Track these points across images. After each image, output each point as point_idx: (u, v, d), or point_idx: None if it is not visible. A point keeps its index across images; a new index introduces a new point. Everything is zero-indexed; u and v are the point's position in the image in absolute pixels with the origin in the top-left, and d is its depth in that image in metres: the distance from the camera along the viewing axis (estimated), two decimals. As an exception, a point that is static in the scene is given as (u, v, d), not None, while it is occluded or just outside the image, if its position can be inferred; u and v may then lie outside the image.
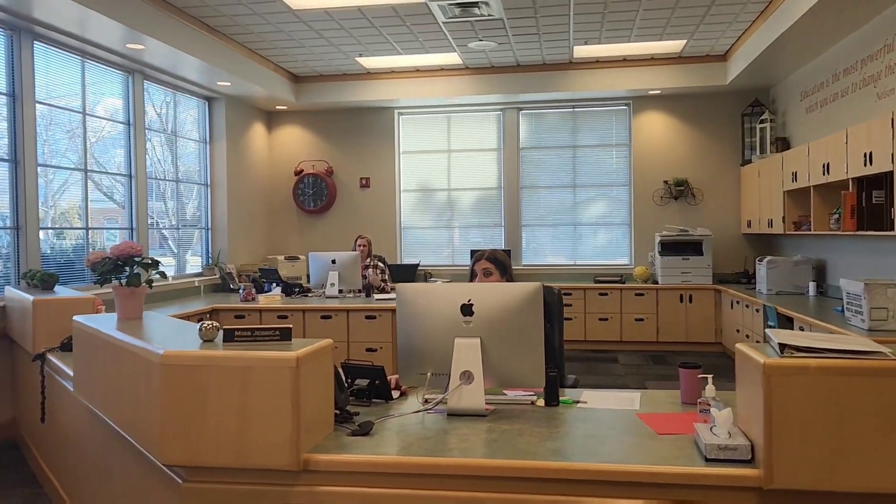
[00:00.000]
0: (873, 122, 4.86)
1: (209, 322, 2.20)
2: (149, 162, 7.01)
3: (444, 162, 9.33)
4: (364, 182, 9.33)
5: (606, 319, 8.22)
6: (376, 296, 6.68)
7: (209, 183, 8.27)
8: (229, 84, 7.60)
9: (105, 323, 2.78)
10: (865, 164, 4.86)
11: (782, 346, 1.78)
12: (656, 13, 6.41)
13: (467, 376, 2.41)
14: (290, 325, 2.15)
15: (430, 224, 9.40)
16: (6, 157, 5.26)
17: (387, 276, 7.40)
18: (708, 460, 1.85)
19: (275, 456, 1.94)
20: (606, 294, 8.22)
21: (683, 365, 2.56)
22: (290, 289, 7.02)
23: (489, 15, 6.35)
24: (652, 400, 2.58)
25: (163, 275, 3.00)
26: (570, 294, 8.26)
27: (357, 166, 9.34)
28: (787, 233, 6.78)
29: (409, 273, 8.88)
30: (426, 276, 9.11)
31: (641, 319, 8.17)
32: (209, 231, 8.27)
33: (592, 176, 9.05)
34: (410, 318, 2.54)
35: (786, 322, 5.60)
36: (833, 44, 6.31)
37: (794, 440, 1.71)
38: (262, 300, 6.56)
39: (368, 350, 6.11)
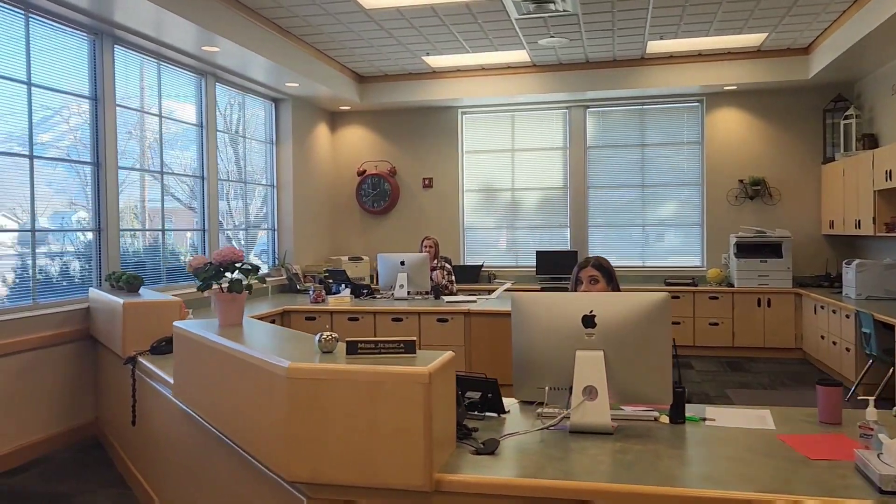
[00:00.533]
0: None
1: (328, 333, 2.11)
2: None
3: (508, 161, 9.19)
4: (427, 182, 9.24)
5: (679, 323, 7.96)
6: (446, 298, 6.59)
7: (275, 184, 8.29)
8: (297, 85, 7.60)
9: (206, 329, 2.73)
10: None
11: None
12: (740, 5, 6.16)
13: (590, 391, 2.28)
14: (415, 339, 2.04)
15: (494, 224, 9.27)
16: (89, 160, 5.32)
17: (453, 278, 7.30)
18: (883, 492, 1.69)
19: (406, 475, 1.84)
20: (679, 297, 7.97)
21: (822, 382, 2.38)
22: (358, 290, 6.98)
23: (564, 10, 6.19)
24: (785, 418, 2.40)
25: (261, 280, 2.94)
26: (641, 297, 8.02)
27: (420, 166, 9.27)
28: (878, 234, 6.44)
29: (472, 274, 8.78)
30: (490, 278, 8.99)
31: (716, 324, 7.90)
32: (275, 232, 8.29)
33: (662, 175, 8.79)
34: (527, 329, 2.41)
35: (883, 329, 5.31)
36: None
37: None
38: (332, 301, 6.52)
39: (441, 353, 6.00)
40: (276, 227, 8.30)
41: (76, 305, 4.97)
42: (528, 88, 8.37)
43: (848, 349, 6.13)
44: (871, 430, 1.91)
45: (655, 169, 8.80)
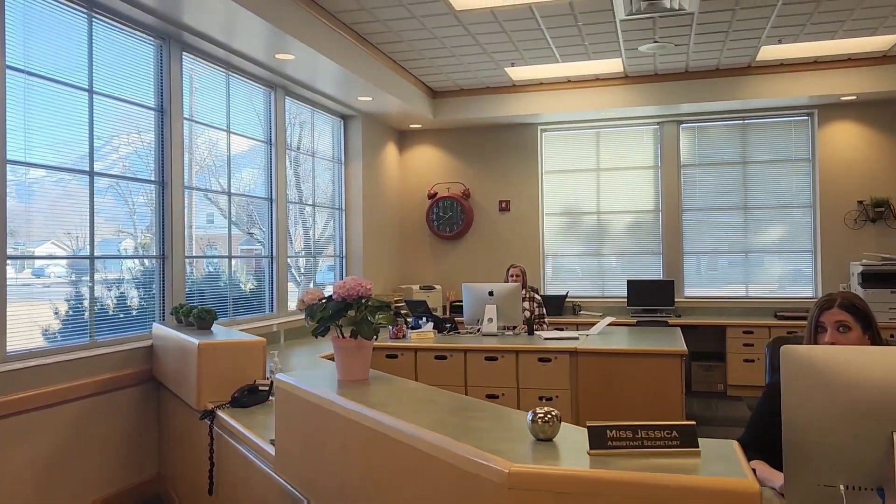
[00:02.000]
0: None
1: (546, 410, 1.38)
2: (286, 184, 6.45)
3: (593, 182, 8.44)
4: (504, 205, 8.54)
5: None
6: (543, 334, 5.82)
7: (343, 207, 7.67)
8: (370, 99, 7.00)
9: (325, 387, 2.03)
10: None
11: None
12: (883, 0, 5.37)
13: (924, 497, 1.50)
14: (693, 423, 1.30)
15: (578, 251, 8.49)
16: (153, 179, 4.74)
17: (544, 311, 6.55)
18: None
19: None
20: (796, 332, 7.04)
21: None
22: (440, 324, 6.26)
23: (680, 8, 5.46)
24: None
25: (392, 319, 2.23)
26: (752, 332, 7.16)
27: (496, 188, 8.57)
28: None
29: (555, 306, 7.98)
30: (575, 309, 8.19)
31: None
32: (342, 259, 7.65)
33: (767, 196, 7.93)
34: (808, 398, 1.65)
35: None
36: None
37: None
38: (414, 337, 5.82)
39: (542, 398, 5.24)
40: (343, 254, 7.66)
41: (138, 343, 4.35)
42: (615, 102, 7.64)
43: None
44: None
45: (759, 189, 7.95)
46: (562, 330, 6.24)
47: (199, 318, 3.85)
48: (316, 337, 2.24)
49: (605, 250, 8.39)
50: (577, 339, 5.59)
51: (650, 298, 7.81)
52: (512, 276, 6.68)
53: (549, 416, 1.37)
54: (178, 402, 3.73)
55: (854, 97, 7.23)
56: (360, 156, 7.64)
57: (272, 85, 6.18)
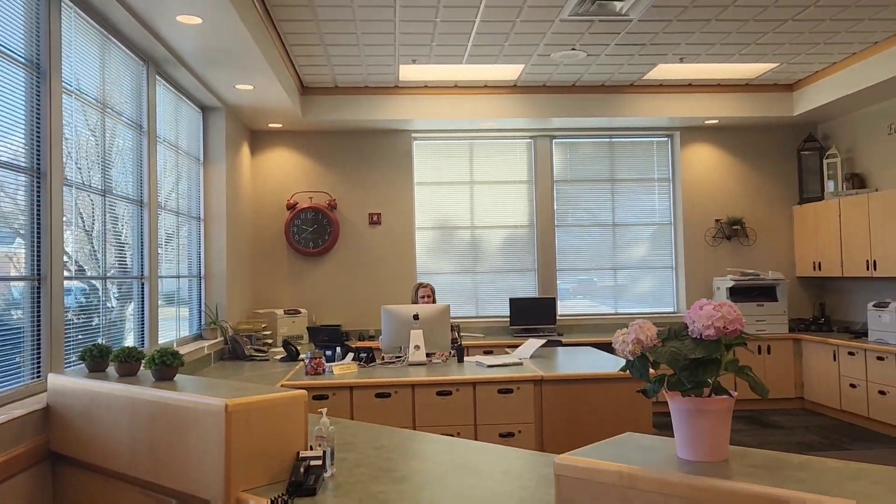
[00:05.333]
0: None
1: None
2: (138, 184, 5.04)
3: (467, 196, 7.99)
4: (375, 218, 7.73)
5: (678, 376, 7.20)
6: (482, 360, 5.19)
7: (202, 216, 6.33)
8: (251, 88, 5.83)
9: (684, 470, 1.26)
10: None
11: None
12: (757, 26, 5.62)
13: None
14: None
15: (453, 268, 7.96)
16: (21, 164, 3.28)
17: (458, 335, 5.93)
18: None
19: None
20: (678, 347, 7.21)
21: None
22: (356, 354, 5.33)
23: (625, 14, 5.24)
24: None
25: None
26: (639, 348, 7.17)
27: (366, 199, 7.74)
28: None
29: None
30: (454, 329, 7.62)
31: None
32: (201, 280, 6.29)
33: (633, 214, 8.11)
34: None
35: None
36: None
37: None
38: (337, 371, 4.85)
39: (503, 435, 4.61)
40: (201, 274, 6.30)
41: (27, 406, 2.92)
42: (493, 112, 7.27)
43: (915, 399, 5.69)
44: None
45: (626, 207, 8.11)
46: (491, 353, 5.65)
47: (162, 364, 2.62)
48: (651, 397, 1.44)
49: (479, 267, 7.96)
50: (520, 364, 5.06)
51: (532, 317, 7.53)
52: (422, 296, 5.99)
53: None
54: (147, 499, 2.47)
55: (716, 121, 7.66)
56: (224, 156, 6.37)
57: (145, 57, 4.81)
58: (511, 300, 7.58)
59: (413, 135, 7.83)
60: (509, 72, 6.75)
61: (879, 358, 6.11)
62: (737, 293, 7.37)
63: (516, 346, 5.93)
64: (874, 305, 6.38)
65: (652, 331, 1.44)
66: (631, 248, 8.11)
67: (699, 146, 7.97)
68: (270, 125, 7.31)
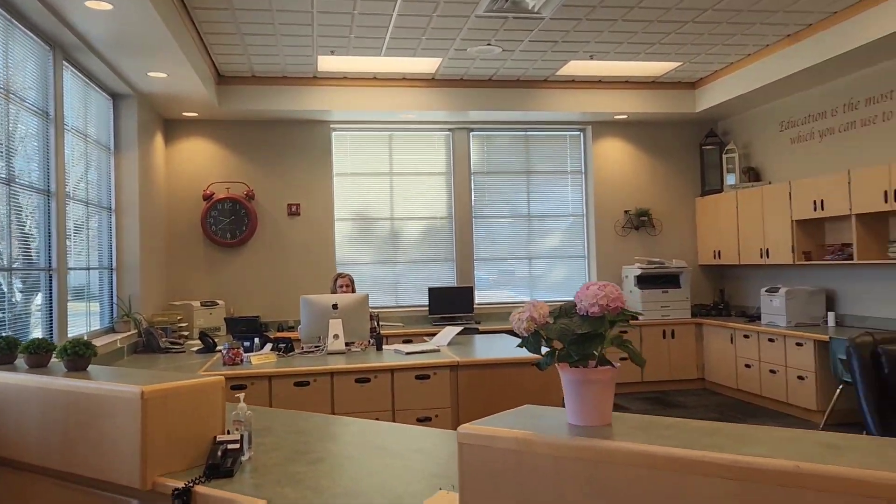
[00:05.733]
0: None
1: None
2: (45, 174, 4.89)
3: (386, 187, 8.07)
4: (294, 209, 7.71)
5: (590, 360, 7.52)
6: (401, 348, 5.30)
7: (114, 207, 6.17)
8: (165, 76, 5.72)
9: (586, 440, 1.42)
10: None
11: None
12: (660, 27, 5.95)
13: None
14: None
15: (372, 259, 8.03)
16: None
17: (377, 324, 6.03)
18: None
19: None
20: (590, 332, 7.53)
21: None
22: (275, 345, 5.35)
23: (537, 12, 5.43)
24: None
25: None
26: (553, 334, 7.45)
27: (285, 190, 7.71)
28: (797, 263, 6.66)
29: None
30: (373, 319, 7.70)
31: (625, 358, 7.58)
32: (113, 272, 6.14)
33: (548, 205, 8.39)
34: None
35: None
36: (846, 75, 6.36)
37: None
38: (255, 361, 4.86)
39: (421, 420, 4.74)
40: (113, 266, 6.15)
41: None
42: (413, 105, 7.37)
43: (802, 377, 6.15)
44: None
45: (541, 199, 8.37)
46: (411, 342, 5.77)
47: (74, 355, 2.61)
48: (543, 369, 1.58)
49: (399, 258, 8.07)
50: (437, 350, 5.20)
51: (450, 306, 7.69)
52: (341, 286, 6.05)
53: None
54: (61, 490, 2.46)
55: (626, 116, 8.00)
56: (136, 145, 6.23)
57: (52, 42, 4.67)
58: (430, 290, 7.72)
59: (332, 126, 7.84)
60: (427, 65, 6.86)
61: (770, 340, 6.58)
62: (643, 281, 7.75)
63: (434, 335, 6.07)
64: (766, 291, 6.85)
65: (544, 309, 1.58)
66: (545, 238, 8.38)
67: (609, 140, 8.31)
68: (185, 114, 7.17)
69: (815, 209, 6.36)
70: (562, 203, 8.43)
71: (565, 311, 1.59)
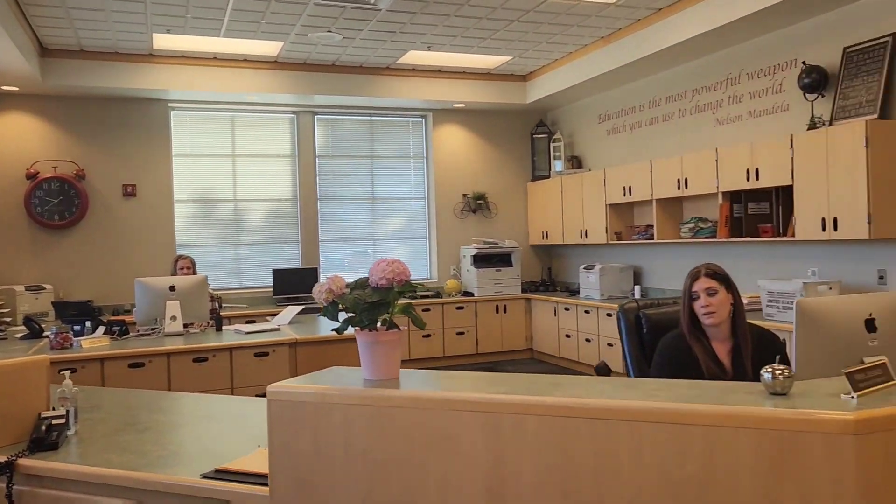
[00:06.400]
0: (742, 146, 5.64)
1: (782, 367, 1.52)
2: None
3: (229, 169, 8.03)
4: (129, 190, 7.50)
5: (430, 336, 7.97)
6: (241, 328, 5.42)
7: (-78, 185, 5.76)
8: (-19, 47, 5.41)
9: (355, 390, 1.73)
10: (749, 179, 5.58)
11: None
12: (490, 24, 6.40)
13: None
14: (884, 358, 1.60)
15: (215, 241, 7.98)
16: None
17: (218, 305, 6.10)
18: None
19: None
20: (429, 310, 7.97)
21: None
22: (109, 328, 5.28)
23: (373, 4, 5.68)
24: None
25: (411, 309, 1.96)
26: (394, 312, 7.81)
27: (119, 170, 7.46)
28: (610, 242, 7.42)
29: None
30: (215, 301, 7.69)
31: (462, 333, 8.12)
32: (-77, 254, 5.75)
33: (391, 188, 8.71)
34: (812, 335, 2.09)
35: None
36: (650, 75, 7.13)
37: None
38: (86, 345, 4.81)
39: (260, 396, 4.89)
40: (-77, 248, 5.76)
41: None
42: (257, 87, 7.41)
43: (611, 344, 6.90)
44: None
45: (384, 182, 8.67)
46: (254, 322, 5.88)
47: None
48: (339, 333, 1.85)
49: (242, 240, 8.08)
50: (277, 329, 5.38)
51: (295, 287, 7.83)
52: (182, 268, 6.05)
53: (787, 372, 1.52)
54: None
55: (463, 105, 8.46)
56: (-53, 119, 5.84)
57: None
58: (274, 271, 7.82)
59: (171, 105, 7.68)
60: (270, 48, 6.91)
61: (586, 311, 7.30)
62: (479, 260, 8.28)
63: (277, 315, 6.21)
64: (584, 268, 7.59)
65: (341, 283, 1.86)
66: (389, 219, 8.70)
67: (449, 127, 8.74)
68: (4, 87, 6.77)
69: (624, 194, 7.12)
70: (405, 186, 8.77)
71: (360, 284, 1.88)
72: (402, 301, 1.91)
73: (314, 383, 1.86)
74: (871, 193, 4.66)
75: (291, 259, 8.23)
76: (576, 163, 8.43)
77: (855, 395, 1.47)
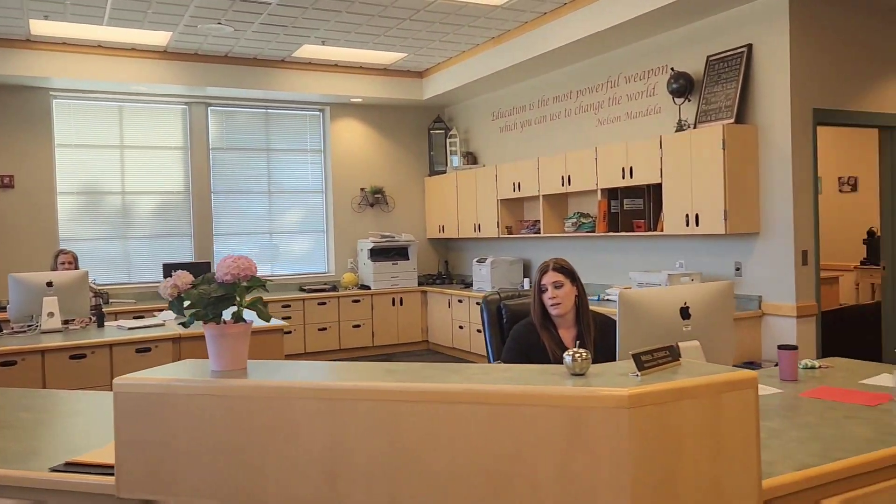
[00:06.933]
0: (617, 146, 5.98)
1: (580, 351, 1.72)
2: None
3: (117, 160, 7.80)
4: (6, 181, 7.18)
5: (325, 329, 8.02)
6: (124, 323, 5.33)
7: None
8: None
9: (200, 381, 1.83)
10: (624, 177, 5.94)
11: None
12: (382, 21, 6.50)
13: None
14: (673, 344, 1.82)
15: (101, 234, 7.75)
16: None
17: (102, 301, 5.97)
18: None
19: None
20: (325, 303, 8.02)
21: (783, 347, 2.92)
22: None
23: (262, -2, 5.68)
24: (771, 381, 2.85)
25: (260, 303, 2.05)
26: (290, 306, 7.82)
27: (-5, 160, 7.14)
28: (501, 237, 7.68)
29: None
30: (100, 296, 7.47)
31: (359, 326, 8.21)
32: None
33: (288, 182, 8.68)
34: (633, 324, 2.32)
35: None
36: (538, 76, 7.42)
37: None
38: (-48, 343, 4.63)
39: (143, 392, 4.85)
40: None
41: None
42: (146, 77, 7.25)
43: (501, 334, 7.15)
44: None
45: (281, 175, 8.64)
46: (142, 318, 5.78)
47: None
48: (186, 327, 1.93)
49: (132, 233, 7.88)
50: (162, 324, 5.32)
51: (187, 281, 7.70)
52: (63, 263, 5.91)
53: (584, 356, 1.71)
54: None
55: (360, 100, 8.52)
56: None
57: None
58: (164, 265, 7.65)
59: (52, 93, 7.39)
60: (158, 37, 6.76)
61: (477, 303, 7.49)
62: (376, 253, 8.39)
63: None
64: (477, 261, 7.83)
65: (187, 278, 1.93)
66: (286, 213, 8.67)
67: (347, 121, 8.79)
68: None
69: (514, 190, 7.38)
70: (302, 180, 8.76)
71: (207, 279, 1.96)
72: (251, 296, 2.01)
73: (161, 375, 1.93)
74: (727, 192, 5.06)
75: (184, 253, 8.09)
76: (471, 158, 8.66)
77: (639, 373, 1.68)
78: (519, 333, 2.96)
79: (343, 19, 6.37)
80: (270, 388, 1.79)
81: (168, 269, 7.65)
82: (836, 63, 5.18)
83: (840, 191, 8.64)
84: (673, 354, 1.80)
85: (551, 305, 2.89)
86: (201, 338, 4.88)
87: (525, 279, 7.64)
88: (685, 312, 2.40)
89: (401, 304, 8.41)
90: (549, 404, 1.57)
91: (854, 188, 8.67)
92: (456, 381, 1.75)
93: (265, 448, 1.78)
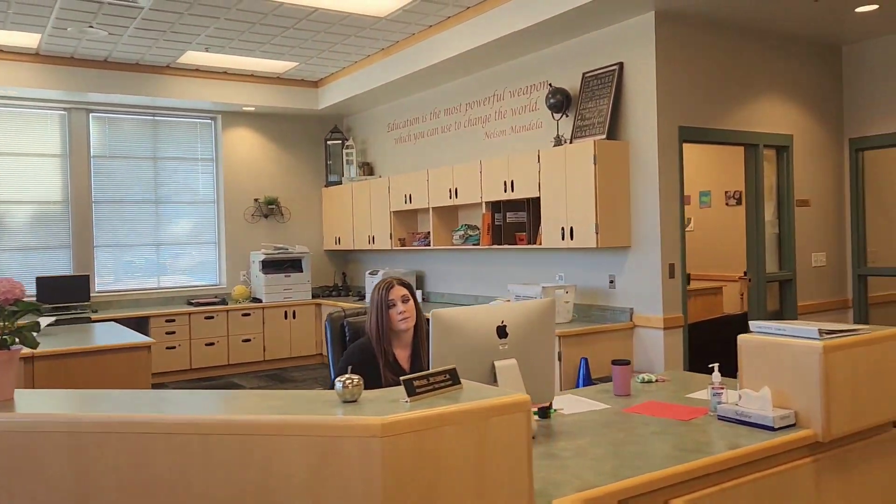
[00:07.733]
0: (514, 158, 6.04)
1: (351, 377, 1.67)
2: None
3: (-14, 167, 7.37)
4: None
5: (213, 344, 7.77)
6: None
7: None
8: None
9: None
10: (506, 191, 5.98)
11: (821, 332, 2.36)
12: (266, 29, 6.40)
13: (512, 400, 2.34)
14: (454, 366, 1.80)
15: (-33, 246, 7.29)
16: None
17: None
18: (776, 429, 2.31)
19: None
20: (213, 317, 7.77)
21: (616, 362, 2.96)
22: None
23: (134, 1, 5.46)
24: (603, 396, 2.89)
25: (35, 326, 1.93)
26: (174, 321, 7.54)
27: None
28: (394, 248, 7.63)
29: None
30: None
31: (249, 340, 7.99)
32: None
33: (177, 192, 8.39)
34: (447, 345, 2.29)
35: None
36: (430, 88, 7.43)
37: (845, 399, 2.32)
38: None
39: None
40: None
41: None
42: (17, 80, 6.88)
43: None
44: (723, 388, 2.56)
45: (170, 185, 8.34)
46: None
47: None
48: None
49: (3, 245, 7.44)
50: (21, 348, 5.01)
51: (63, 295, 7.34)
52: None
53: (354, 382, 1.66)
54: None
55: (253, 108, 8.33)
56: None
57: None
58: (38, 279, 7.26)
59: (-89, 95, 6.92)
60: (27, 39, 6.42)
61: (370, 317, 7.45)
62: (268, 265, 8.20)
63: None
64: (369, 273, 7.76)
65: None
66: (175, 224, 8.38)
67: (240, 130, 8.57)
68: None
69: (405, 202, 7.35)
70: (192, 190, 8.49)
71: (-34, 304, 1.82)
72: (23, 321, 1.88)
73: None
74: (598, 207, 5.16)
75: (62, 266, 7.69)
76: (368, 169, 8.59)
77: (409, 399, 1.64)
78: (352, 353, 2.91)
79: (223, 26, 6.20)
80: (14, 422, 1.67)
81: (42, 283, 7.27)
82: (702, 83, 5.38)
83: (727, 204, 8.99)
84: (453, 378, 1.77)
85: (401, 320, 2.86)
86: (58, 356, 4.66)
87: (418, 291, 7.59)
88: (502, 331, 2.39)
89: (294, 317, 8.24)
90: (300, 433, 1.51)
91: (739, 202, 9.03)
92: (220, 410, 1.67)
93: (8, 487, 1.65)
